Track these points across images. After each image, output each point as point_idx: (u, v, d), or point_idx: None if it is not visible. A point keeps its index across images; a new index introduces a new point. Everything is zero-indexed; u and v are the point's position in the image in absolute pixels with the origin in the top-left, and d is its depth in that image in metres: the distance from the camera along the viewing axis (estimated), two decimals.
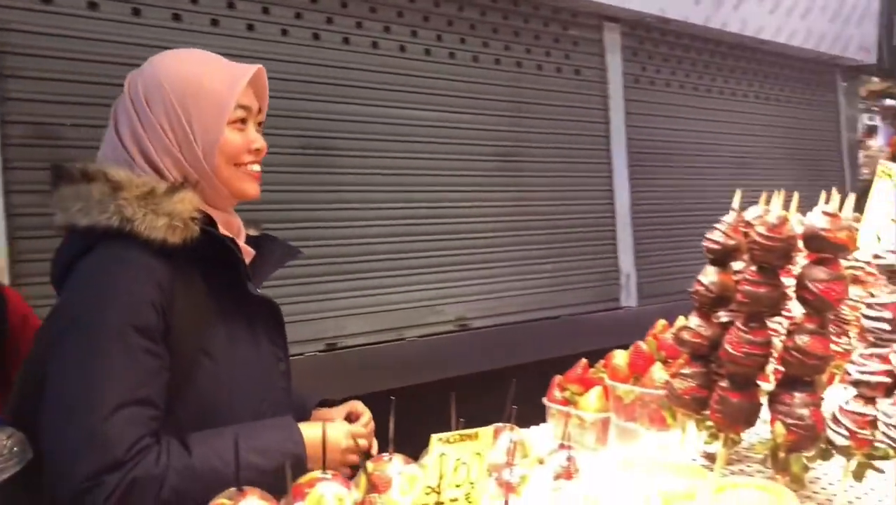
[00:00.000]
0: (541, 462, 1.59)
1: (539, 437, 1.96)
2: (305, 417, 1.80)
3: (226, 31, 3.24)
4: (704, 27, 5.47)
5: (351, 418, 1.84)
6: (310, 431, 1.52)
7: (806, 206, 1.33)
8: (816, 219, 1.20)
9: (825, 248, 1.19)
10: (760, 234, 1.22)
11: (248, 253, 1.63)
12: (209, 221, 1.55)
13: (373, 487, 1.47)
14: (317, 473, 1.41)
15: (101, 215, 1.47)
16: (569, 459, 1.53)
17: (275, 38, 3.41)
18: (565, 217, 4.62)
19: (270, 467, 1.41)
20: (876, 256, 1.18)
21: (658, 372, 1.75)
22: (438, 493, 1.30)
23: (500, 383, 2.51)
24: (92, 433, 1.33)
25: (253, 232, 1.72)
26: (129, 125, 1.57)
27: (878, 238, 1.43)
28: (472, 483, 1.36)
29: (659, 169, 5.47)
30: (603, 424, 1.91)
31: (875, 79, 8.37)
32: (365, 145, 3.63)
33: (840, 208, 1.47)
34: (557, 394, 2.00)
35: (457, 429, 1.46)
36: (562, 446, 1.59)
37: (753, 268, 1.26)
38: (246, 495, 1.24)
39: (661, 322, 1.97)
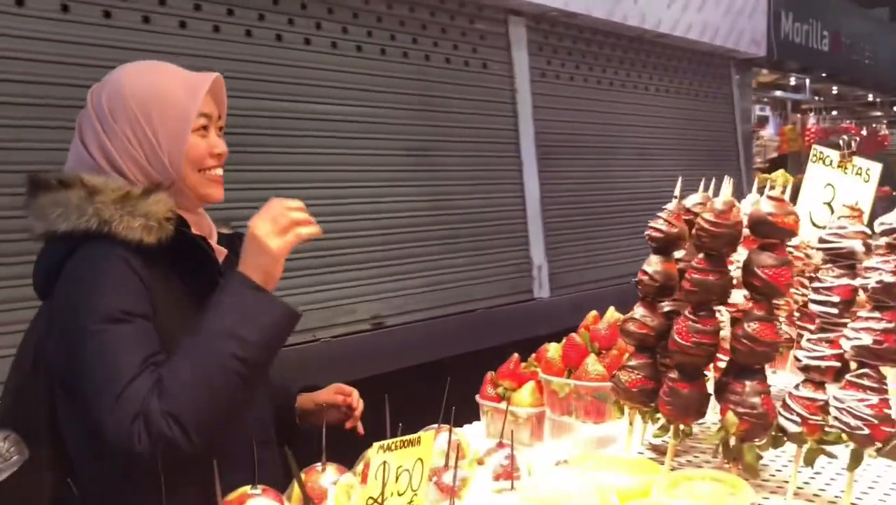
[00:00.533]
0: (480, 463, 1.54)
1: (474, 435, 1.92)
2: (290, 402, 1.89)
3: (193, 32, 3.24)
4: (606, 20, 5.54)
5: (338, 400, 1.92)
6: (249, 262, 1.54)
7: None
8: (763, 204, 1.18)
9: (772, 233, 1.18)
10: (707, 221, 1.20)
11: (221, 252, 1.68)
12: (182, 223, 1.61)
13: (307, 499, 1.40)
14: (247, 489, 1.34)
15: (80, 219, 1.53)
16: (508, 457, 1.49)
17: (239, 38, 3.41)
18: (477, 211, 4.60)
19: (269, 331, 1.49)
20: (822, 241, 1.17)
21: (592, 364, 1.72)
22: (381, 503, 1.24)
23: (418, 381, 2.44)
24: (113, 402, 1.41)
25: (225, 230, 1.78)
26: (94, 136, 1.62)
27: (812, 222, 1.44)
28: (414, 491, 1.30)
29: (567, 161, 5.52)
30: (537, 419, 1.87)
31: (765, 71, 8.73)
32: (276, 141, 3.50)
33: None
34: (490, 390, 1.96)
35: (392, 434, 1.41)
36: (500, 445, 1.54)
37: (701, 256, 1.23)
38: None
39: (593, 313, 1.95)
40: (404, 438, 1.27)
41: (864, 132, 11.99)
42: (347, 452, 1.56)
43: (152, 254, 1.53)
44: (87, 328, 1.48)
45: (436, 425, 1.61)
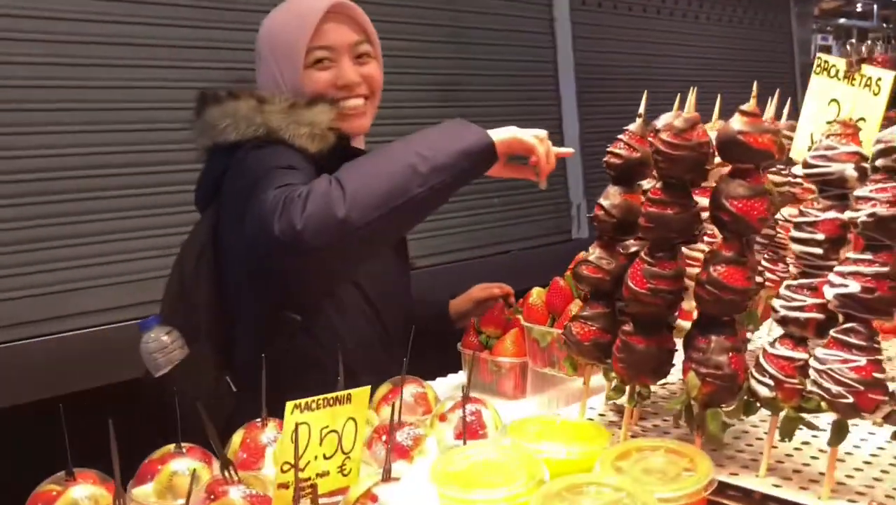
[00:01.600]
0: (442, 418, 1.38)
1: (454, 388, 1.77)
2: (443, 309, 2.01)
3: None
4: None
5: (495, 293, 2.01)
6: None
7: None
8: (733, 121, 0.96)
9: (744, 156, 0.96)
10: (664, 142, 0.98)
11: None
12: (344, 137, 1.70)
13: (226, 462, 1.25)
14: (171, 448, 1.22)
15: (249, 128, 1.62)
16: (474, 413, 1.33)
17: None
18: None
19: (454, 147, 1.47)
20: (806, 165, 0.94)
21: (577, 310, 1.53)
22: (302, 469, 1.09)
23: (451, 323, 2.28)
24: (268, 195, 1.43)
25: None
26: (255, 75, 1.77)
27: (813, 141, 1.20)
28: (346, 453, 1.15)
29: (608, 95, 5.26)
30: (521, 370, 1.71)
31: None
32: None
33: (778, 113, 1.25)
34: (472, 338, 1.80)
35: (342, 387, 1.26)
36: (468, 399, 1.36)
37: (658, 185, 1.02)
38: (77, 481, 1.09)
39: (582, 254, 1.75)
40: (328, 395, 1.11)
41: None
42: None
43: (316, 166, 1.59)
44: (258, 175, 1.52)
45: (398, 378, 1.46)
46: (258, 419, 1.32)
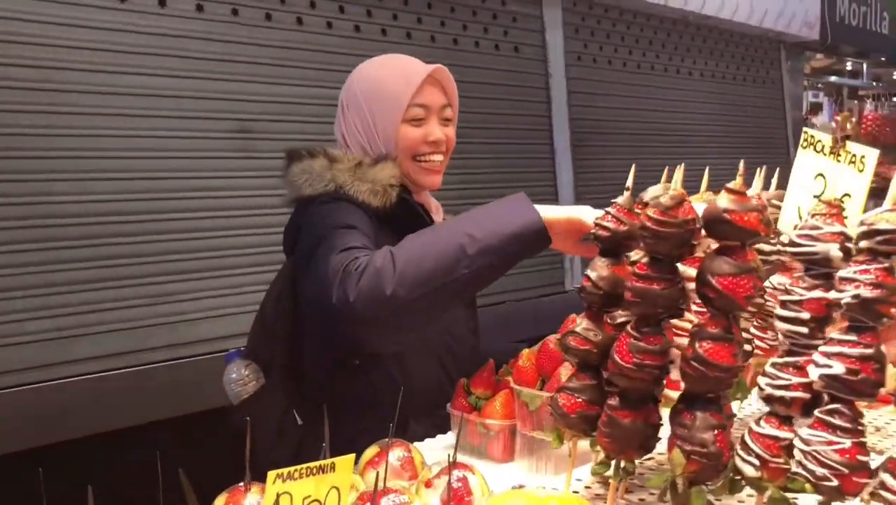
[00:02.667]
0: (428, 485, 1.36)
1: (443, 449, 1.75)
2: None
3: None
4: (647, 3, 5.31)
5: None
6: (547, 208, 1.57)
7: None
8: (720, 198, 0.97)
9: (730, 233, 0.96)
10: (651, 219, 0.99)
11: None
12: (406, 191, 1.84)
13: None
14: None
15: (320, 184, 1.78)
16: (461, 480, 1.31)
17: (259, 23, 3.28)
18: None
19: (504, 230, 1.50)
20: (792, 244, 0.95)
21: (567, 374, 1.52)
22: None
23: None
24: (331, 260, 1.54)
25: (449, 217, 1.99)
26: (338, 124, 1.92)
27: (800, 216, 1.22)
28: None
29: (602, 149, 5.32)
30: (510, 433, 1.69)
31: (819, 55, 8.29)
32: (285, 127, 3.35)
33: (765, 185, 1.27)
34: (462, 400, 1.78)
35: (329, 451, 1.25)
36: (455, 464, 1.35)
37: (645, 260, 1.02)
38: None
39: (572, 316, 1.74)
40: (312, 464, 1.10)
41: None
42: None
43: (378, 219, 1.75)
44: (321, 233, 1.65)
45: (388, 439, 1.45)
46: (241, 483, 1.30)
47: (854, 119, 9.15)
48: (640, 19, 5.59)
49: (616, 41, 5.46)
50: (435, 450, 1.74)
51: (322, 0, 3.54)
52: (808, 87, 8.70)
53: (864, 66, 9.51)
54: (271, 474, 1.05)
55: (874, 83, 10.22)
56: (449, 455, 1.26)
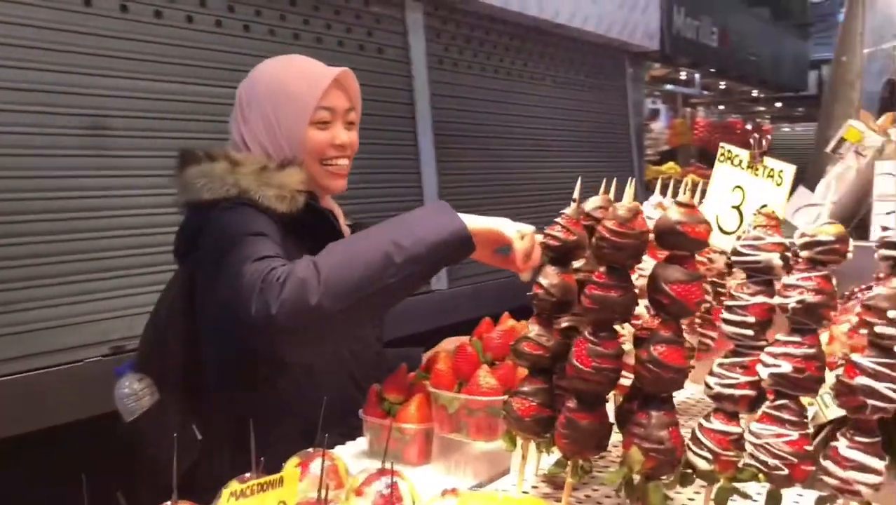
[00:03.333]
0: (358, 493, 1.35)
1: (355, 456, 1.74)
2: (418, 362, 1.95)
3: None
4: (504, 9, 5.47)
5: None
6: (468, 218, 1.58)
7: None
8: (671, 211, 1.04)
9: (681, 244, 1.04)
10: (609, 231, 1.04)
11: (347, 233, 1.87)
12: (313, 198, 1.81)
13: None
14: None
15: (222, 188, 1.71)
16: (390, 486, 1.31)
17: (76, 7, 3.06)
18: (373, 201, 4.40)
19: (431, 239, 1.50)
20: (736, 253, 1.04)
21: (485, 377, 1.56)
22: None
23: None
24: (246, 270, 1.49)
25: (349, 222, 2.00)
26: (237, 125, 1.85)
27: (719, 226, 1.32)
28: None
29: (465, 151, 5.43)
30: (426, 436, 1.71)
31: (657, 65, 8.86)
32: (147, 124, 3.19)
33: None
34: (375, 405, 1.78)
35: (257, 467, 1.22)
36: (382, 471, 1.35)
37: (602, 269, 1.08)
38: None
39: (486, 319, 1.79)
40: (262, 480, 1.07)
41: (748, 126, 12.44)
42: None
43: (284, 225, 1.70)
44: (230, 240, 1.59)
45: (310, 450, 1.43)
46: (167, 502, 1.26)
47: (688, 123, 9.91)
48: (497, 25, 5.75)
49: (475, 46, 5.59)
50: (349, 457, 1.74)
51: None
52: (648, 94, 9.28)
53: (697, 76, 10.26)
54: (226, 492, 1.03)
55: (704, 92, 11.06)
56: (385, 458, 1.28)
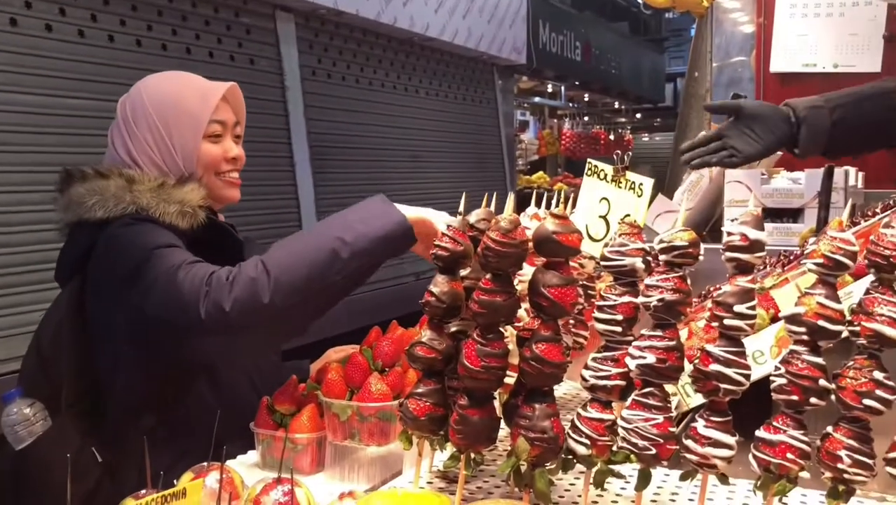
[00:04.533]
0: (256, 503, 1.40)
1: (249, 467, 1.77)
2: (305, 374, 1.99)
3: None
4: (376, 22, 5.54)
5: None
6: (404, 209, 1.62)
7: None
8: (548, 222, 1.15)
9: (557, 251, 1.15)
10: (493, 241, 1.14)
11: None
12: (212, 213, 1.82)
13: None
14: None
15: (118, 206, 1.68)
16: (287, 494, 1.36)
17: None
18: (249, 213, 4.38)
19: (374, 233, 1.54)
20: (604, 258, 1.16)
21: (376, 384, 1.63)
22: None
23: None
24: (181, 278, 1.52)
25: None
26: (121, 140, 1.80)
27: (588, 234, 1.45)
28: None
29: (341, 163, 5.45)
30: (318, 445, 1.75)
31: (525, 77, 9.19)
32: (29, 140, 3.08)
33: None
34: (266, 417, 1.81)
35: (153, 481, 1.25)
36: (278, 480, 1.40)
37: (488, 276, 1.18)
38: None
39: (375, 329, 1.86)
40: (165, 492, 1.10)
41: (611, 136, 13.07)
42: None
43: (187, 242, 1.68)
44: (142, 255, 1.57)
45: (205, 464, 1.45)
46: None
47: (555, 134, 10.30)
48: (369, 37, 5.82)
49: (348, 58, 5.64)
50: (242, 468, 1.76)
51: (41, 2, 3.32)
52: (517, 106, 9.61)
53: (563, 88, 10.69)
54: (128, 502, 1.06)
55: (570, 104, 11.53)
56: (280, 467, 1.32)
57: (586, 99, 12.16)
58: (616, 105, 13.84)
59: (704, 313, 1.74)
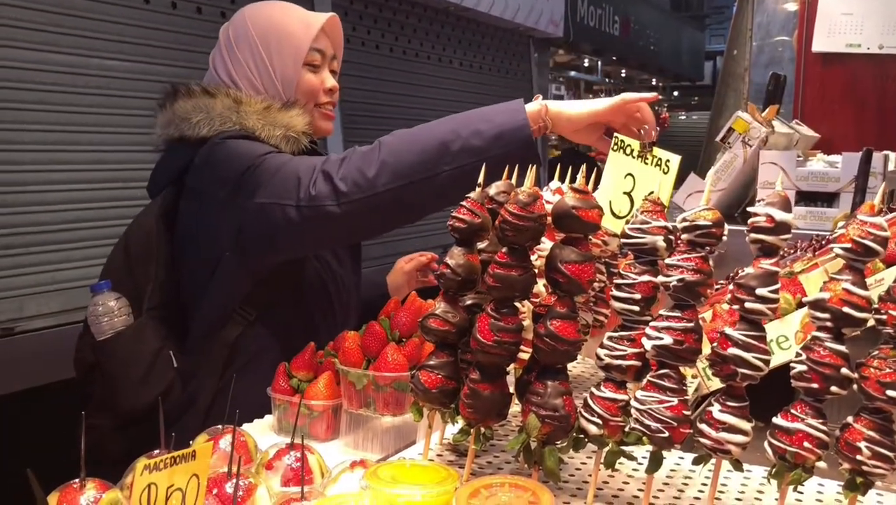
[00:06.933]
0: (269, 467, 1.40)
1: (263, 433, 1.78)
2: (382, 288, 2.23)
3: None
4: None
5: (423, 261, 2.29)
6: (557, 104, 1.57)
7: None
8: (567, 197, 1.12)
9: (576, 227, 1.12)
10: (511, 214, 1.12)
11: None
12: (313, 141, 1.86)
13: None
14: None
15: (223, 125, 1.71)
16: (300, 460, 1.36)
17: None
18: None
19: (490, 130, 1.48)
20: (624, 236, 1.13)
21: (392, 354, 1.63)
22: None
23: None
24: (293, 167, 1.59)
25: None
26: (222, 63, 1.84)
27: (612, 211, 1.41)
28: None
29: (373, 132, 5.41)
30: (333, 412, 1.76)
31: (561, 51, 9.06)
32: (34, 97, 3.08)
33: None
34: (283, 383, 1.82)
35: (167, 442, 1.26)
36: (291, 446, 1.40)
37: (504, 249, 1.15)
38: None
39: (394, 299, 1.85)
40: (175, 453, 1.10)
41: None
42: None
43: None
44: (244, 161, 1.60)
45: (220, 427, 1.47)
46: (76, 480, 1.27)
47: None
48: (405, 6, 5.77)
49: (383, 27, 5.59)
50: (256, 433, 1.77)
51: None
52: (552, 80, 9.49)
53: (599, 63, 10.54)
54: (139, 464, 1.06)
55: (607, 79, 11.37)
56: (294, 433, 1.33)
57: (623, 75, 12.00)
58: (654, 82, 13.63)
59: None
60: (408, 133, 1.56)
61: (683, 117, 16.48)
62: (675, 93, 15.07)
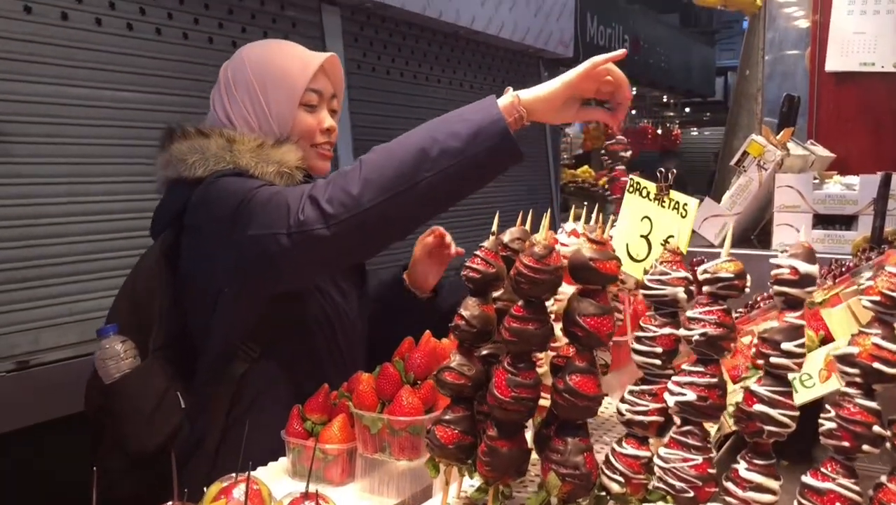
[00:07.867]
0: None
1: (277, 477, 1.75)
2: (399, 275, 2.18)
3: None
4: (421, 15, 5.50)
5: (435, 242, 2.14)
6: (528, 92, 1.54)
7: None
8: (584, 248, 1.09)
9: (593, 278, 1.09)
10: (526, 267, 1.09)
11: None
12: (308, 176, 1.87)
13: None
14: None
15: (218, 165, 1.73)
16: None
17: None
18: None
19: (467, 130, 1.44)
20: (644, 286, 1.10)
21: (407, 397, 1.60)
22: None
23: None
24: (281, 197, 1.58)
25: None
26: (220, 104, 1.85)
27: (629, 254, 1.38)
28: None
29: None
30: (349, 456, 1.73)
31: None
32: (49, 130, 3.09)
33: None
34: (297, 426, 1.79)
35: (180, 494, 1.23)
36: (305, 495, 1.37)
37: (520, 302, 1.13)
38: None
39: (408, 339, 1.82)
40: None
41: (659, 131, 12.85)
42: None
43: None
44: (238, 197, 1.61)
45: (233, 475, 1.43)
46: None
47: (601, 128, 10.13)
48: (415, 31, 5.78)
49: (393, 51, 5.61)
50: (270, 477, 1.75)
51: None
52: None
53: None
54: None
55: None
56: (307, 484, 1.29)
57: (634, 92, 11.96)
58: (664, 98, 13.60)
59: (751, 326, 1.67)
60: (386, 147, 1.52)
61: (695, 133, 16.44)
62: (687, 109, 15.03)
